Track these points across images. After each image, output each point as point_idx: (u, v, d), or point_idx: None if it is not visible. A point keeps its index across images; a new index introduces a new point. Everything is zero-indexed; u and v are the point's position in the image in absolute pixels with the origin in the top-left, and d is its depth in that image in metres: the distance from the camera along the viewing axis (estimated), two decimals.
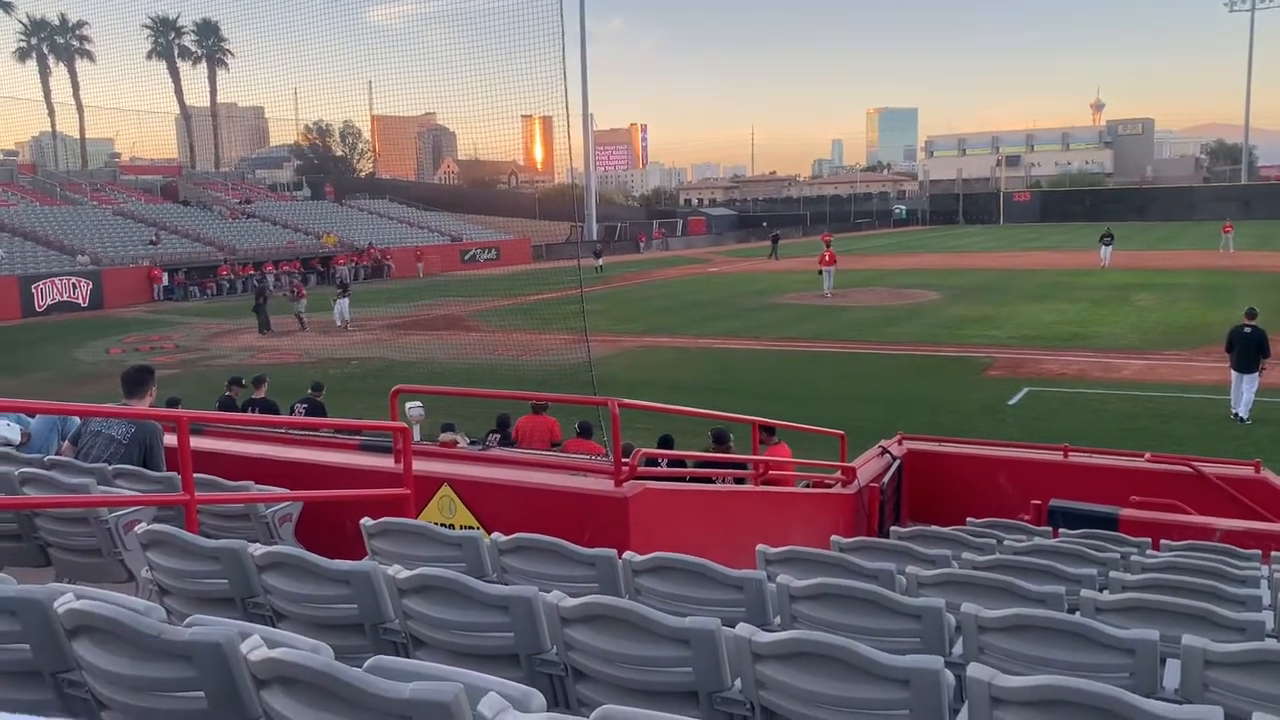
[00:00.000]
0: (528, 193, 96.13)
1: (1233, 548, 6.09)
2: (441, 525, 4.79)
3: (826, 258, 35.27)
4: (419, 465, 5.93)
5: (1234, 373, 15.31)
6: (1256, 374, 15.04)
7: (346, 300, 30.14)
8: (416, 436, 7.52)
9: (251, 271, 45.09)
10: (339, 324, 29.58)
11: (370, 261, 49.52)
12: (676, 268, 52.28)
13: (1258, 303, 16.60)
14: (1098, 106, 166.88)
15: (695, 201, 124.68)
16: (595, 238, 67.50)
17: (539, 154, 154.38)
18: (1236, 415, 15.12)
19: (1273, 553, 6.01)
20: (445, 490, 5.83)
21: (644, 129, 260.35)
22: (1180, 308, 28.49)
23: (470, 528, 5.53)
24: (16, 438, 6.31)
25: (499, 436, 10.17)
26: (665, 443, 9.52)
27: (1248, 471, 8.60)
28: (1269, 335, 15.53)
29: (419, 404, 10.84)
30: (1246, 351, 15.11)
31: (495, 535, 4.31)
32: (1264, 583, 4.90)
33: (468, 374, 20.82)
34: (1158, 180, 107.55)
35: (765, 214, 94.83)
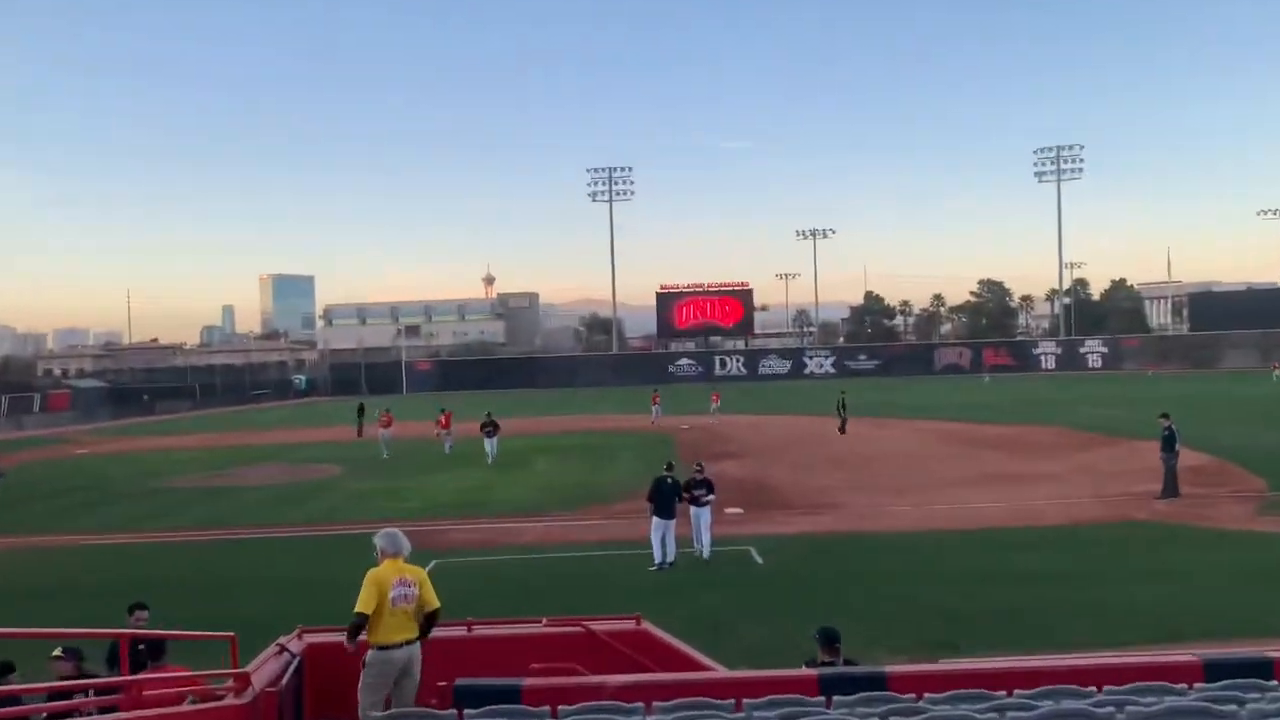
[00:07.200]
0: None
1: (621, 704, 6.15)
2: None
3: (442, 421, 36.64)
4: None
5: (656, 519, 16.25)
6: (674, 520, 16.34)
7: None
8: None
9: None
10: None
11: None
12: (31, 450, 44.38)
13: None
14: (489, 280, 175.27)
15: (59, 372, 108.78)
16: None
17: None
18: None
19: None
20: None
21: None
22: (570, 469, 30.54)
23: None
24: None
25: None
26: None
27: (630, 625, 9.12)
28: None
29: None
30: (665, 497, 16.37)
31: None
32: None
33: None
34: (546, 350, 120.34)
35: (146, 385, 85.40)
